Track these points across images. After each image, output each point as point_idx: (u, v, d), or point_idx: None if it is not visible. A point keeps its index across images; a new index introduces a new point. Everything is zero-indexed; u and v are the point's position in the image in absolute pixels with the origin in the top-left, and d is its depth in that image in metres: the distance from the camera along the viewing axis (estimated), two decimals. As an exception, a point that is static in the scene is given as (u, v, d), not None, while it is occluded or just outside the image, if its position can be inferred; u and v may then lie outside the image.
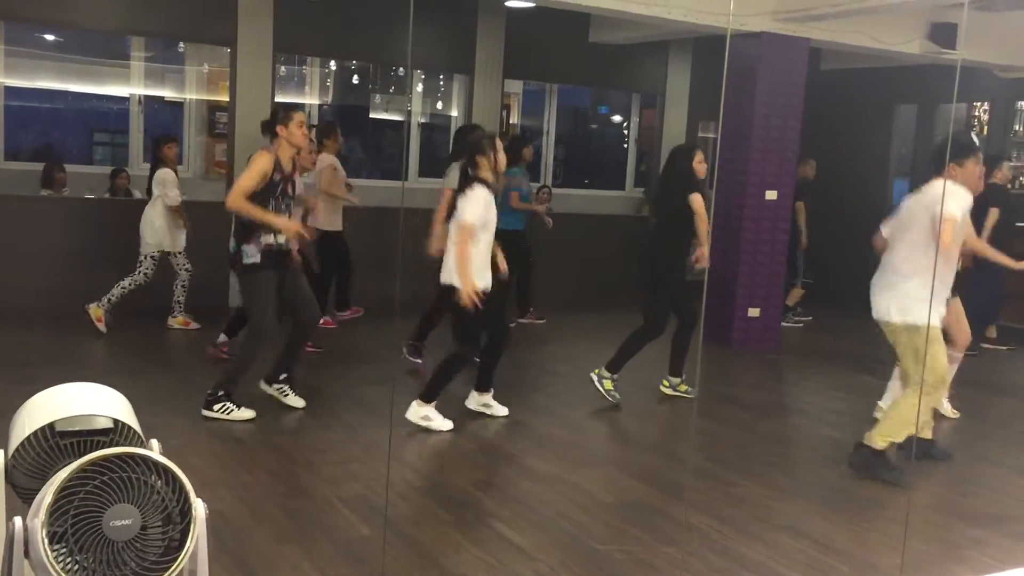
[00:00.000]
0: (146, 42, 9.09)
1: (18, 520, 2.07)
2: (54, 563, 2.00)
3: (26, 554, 2.06)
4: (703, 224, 6.03)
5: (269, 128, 5.43)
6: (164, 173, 7.27)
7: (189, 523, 2.15)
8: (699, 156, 6.15)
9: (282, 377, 5.66)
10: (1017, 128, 11.09)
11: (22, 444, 2.31)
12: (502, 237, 5.65)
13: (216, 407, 5.26)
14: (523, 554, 3.77)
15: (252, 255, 5.27)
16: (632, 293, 10.68)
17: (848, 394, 6.82)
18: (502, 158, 5.31)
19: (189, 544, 2.14)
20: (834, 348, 8.70)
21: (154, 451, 2.28)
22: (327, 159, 7.43)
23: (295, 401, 5.62)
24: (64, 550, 2.03)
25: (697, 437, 5.67)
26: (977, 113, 11.42)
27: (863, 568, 3.84)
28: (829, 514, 4.43)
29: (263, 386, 5.66)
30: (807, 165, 9.61)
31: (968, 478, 5.10)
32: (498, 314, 5.57)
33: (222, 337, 6.65)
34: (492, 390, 5.76)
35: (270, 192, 5.24)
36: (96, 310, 7.16)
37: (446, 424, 5.36)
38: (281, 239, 5.32)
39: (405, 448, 5.14)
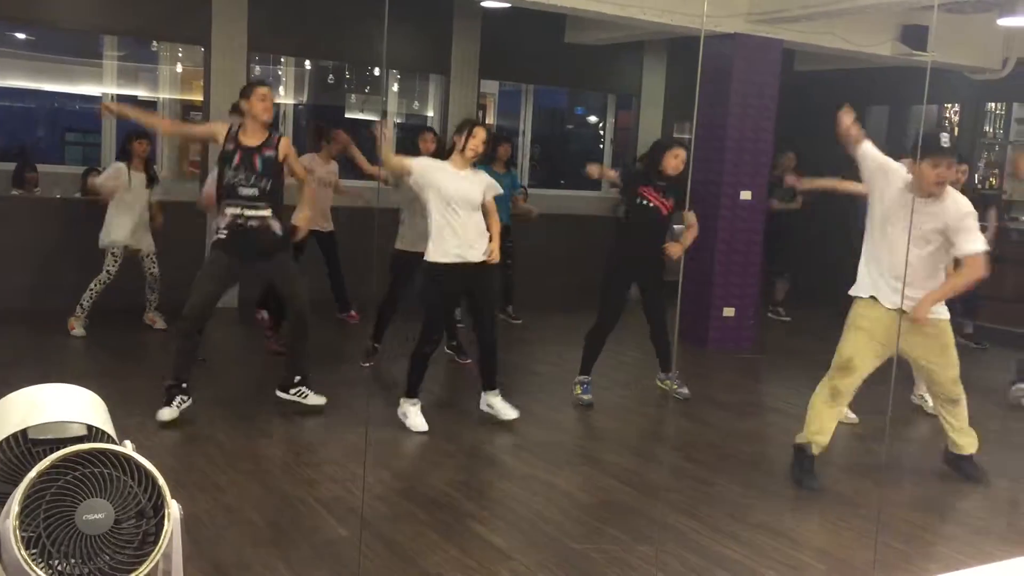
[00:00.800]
0: (119, 41, 9.01)
1: None
2: (29, 562, 1.98)
3: None
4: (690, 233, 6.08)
5: (235, 108, 5.46)
6: (113, 165, 7.26)
7: (163, 518, 2.14)
8: (675, 151, 6.02)
9: (296, 379, 5.56)
10: (987, 129, 11.23)
11: (14, 436, 2.29)
12: None
13: (165, 399, 5.19)
14: (500, 554, 3.78)
15: (218, 229, 5.24)
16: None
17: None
18: (474, 143, 5.27)
19: (164, 538, 2.14)
20: (810, 346, 8.75)
21: (127, 450, 2.27)
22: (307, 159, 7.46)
23: (316, 400, 5.55)
24: (36, 552, 2.02)
25: (674, 436, 5.70)
26: (948, 114, 11.55)
27: (838, 565, 3.88)
28: (804, 512, 4.47)
29: (279, 394, 5.57)
30: (787, 158, 9.71)
31: (942, 475, 5.15)
32: (482, 311, 5.52)
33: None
34: (496, 389, 5.64)
35: (226, 164, 5.21)
36: (72, 321, 7.11)
37: (420, 424, 5.33)
38: (249, 213, 5.18)
39: (382, 449, 5.12)
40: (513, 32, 9.73)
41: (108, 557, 2.05)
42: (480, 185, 5.36)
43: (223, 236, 5.22)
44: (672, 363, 6.41)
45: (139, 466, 2.16)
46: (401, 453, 5.17)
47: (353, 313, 8.23)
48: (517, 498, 4.47)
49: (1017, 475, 5.24)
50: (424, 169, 5.29)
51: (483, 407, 5.67)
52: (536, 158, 11.77)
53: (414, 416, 5.36)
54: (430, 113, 10.40)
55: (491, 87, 11.01)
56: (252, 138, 5.29)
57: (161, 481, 2.19)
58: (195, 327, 5.27)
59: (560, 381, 6.51)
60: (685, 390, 6.44)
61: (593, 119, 12.88)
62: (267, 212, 5.26)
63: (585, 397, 6.12)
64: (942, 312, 4.70)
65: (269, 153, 5.30)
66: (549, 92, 12.06)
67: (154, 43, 9.35)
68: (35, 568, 1.99)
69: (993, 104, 11.08)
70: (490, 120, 11.28)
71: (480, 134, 5.28)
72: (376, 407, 5.60)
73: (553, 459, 5.11)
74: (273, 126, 5.54)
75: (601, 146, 12.03)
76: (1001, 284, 7.06)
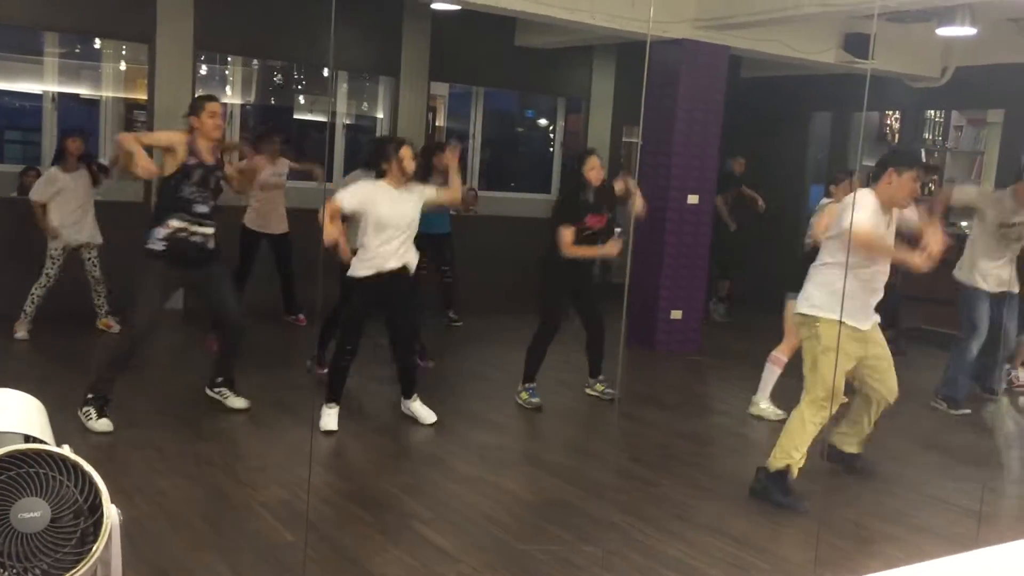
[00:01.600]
0: (61, 38, 8.83)
1: None
2: None
3: None
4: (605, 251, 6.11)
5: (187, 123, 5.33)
6: (45, 173, 7.17)
7: (101, 516, 2.12)
8: (591, 162, 6.06)
9: (219, 380, 5.58)
10: (927, 136, 11.50)
11: None
12: (424, 240, 5.63)
13: (82, 410, 5.04)
14: (446, 556, 3.78)
15: (154, 240, 5.10)
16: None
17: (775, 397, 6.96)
18: (408, 164, 5.27)
19: (103, 535, 2.11)
20: (754, 349, 8.87)
21: (63, 450, 2.24)
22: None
23: (236, 403, 5.55)
24: None
25: (619, 437, 5.74)
26: (889, 121, 11.81)
27: (779, 564, 3.94)
28: (748, 512, 4.53)
29: (207, 391, 5.61)
30: (736, 162, 9.91)
31: (883, 476, 5.26)
32: (400, 317, 5.49)
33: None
34: (415, 395, 5.71)
35: (184, 178, 5.10)
36: (16, 325, 6.96)
37: (329, 424, 5.29)
38: (195, 229, 5.14)
39: (328, 452, 5.09)
40: (463, 34, 9.73)
41: (46, 556, 2.02)
42: (415, 202, 5.36)
43: (162, 248, 5.10)
44: (601, 369, 6.45)
45: (75, 466, 2.14)
46: (347, 456, 5.14)
47: (301, 317, 8.17)
48: (463, 500, 4.47)
49: (955, 476, 5.37)
50: (358, 201, 5.22)
51: (404, 411, 5.70)
52: (486, 161, 11.78)
53: (325, 416, 5.33)
54: (379, 115, 10.36)
55: (441, 89, 11.00)
56: (208, 155, 5.23)
57: (98, 480, 2.16)
58: (145, 341, 5.23)
59: (504, 383, 6.52)
60: (612, 390, 6.48)
61: (543, 122, 12.93)
62: (212, 230, 5.24)
63: (534, 400, 6.14)
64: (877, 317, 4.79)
65: (220, 173, 5.32)
66: (499, 95, 12.08)
67: (97, 40, 9.17)
68: None
69: (932, 111, 11.35)
70: (440, 122, 11.26)
71: (407, 154, 5.28)
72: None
73: (498, 460, 5.12)
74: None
75: (551, 149, 12.08)
76: (936, 286, 7.19)
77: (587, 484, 4.78)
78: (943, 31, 8.25)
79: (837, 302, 4.43)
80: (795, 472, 4.62)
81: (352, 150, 10.75)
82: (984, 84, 9.33)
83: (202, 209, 5.19)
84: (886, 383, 4.85)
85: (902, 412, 6.78)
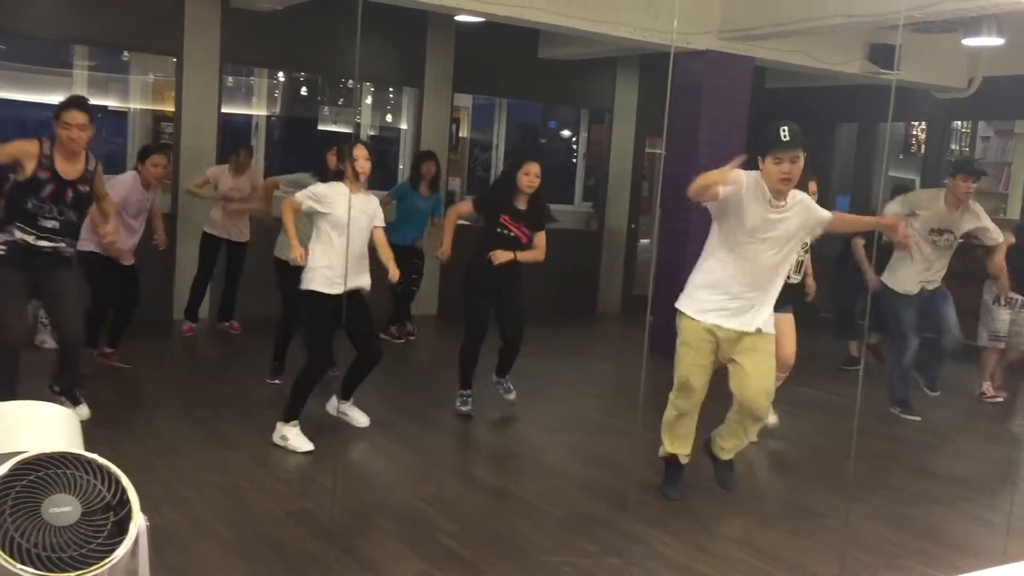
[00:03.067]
0: (90, 51, 8.94)
1: None
2: None
3: None
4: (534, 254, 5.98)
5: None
6: None
7: (129, 511, 2.17)
8: (526, 168, 5.80)
9: (56, 388, 5.29)
10: (953, 147, 11.41)
11: None
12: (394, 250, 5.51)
13: None
14: (470, 567, 3.77)
15: None
16: (581, 306, 10.79)
17: (793, 408, 6.92)
18: (362, 165, 5.17)
19: (132, 529, 2.16)
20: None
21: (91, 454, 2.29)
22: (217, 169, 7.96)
23: (80, 412, 5.21)
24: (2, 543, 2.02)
25: (644, 450, 5.71)
26: (915, 132, 11.72)
27: (804, 577, 3.91)
28: (773, 525, 4.50)
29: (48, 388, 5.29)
30: None
31: (909, 488, 5.21)
32: (366, 329, 5.37)
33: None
34: (351, 400, 5.63)
35: (29, 191, 4.80)
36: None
37: (304, 445, 5.09)
38: (40, 244, 4.87)
39: (352, 462, 5.11)
40: (487, 46, 9.76)
41: (77, 548, 2.06)
42: (369, 212, 5.28)
43: (3, 252, 4.87)
44: (508, 371, 6.26)
45: (103, 468, 2.20)
46: (369, 466, 5.15)
47: (235, 324, 8.14)
48: (486, 510, 4.46)
49: (980, 488, 5.31)
50: (317, 199, 5.11)
51: (333, 412, 5.65)
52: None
53: (295, 438, 5.11)
54: (403, 126, 10.40)
55: (465, 100, 11.03)
56: (69, 168, 4.90)
57: (125, 480, 2.21)
58: (12, 342, 4.93)
59: (530, 394, 6.52)
60: (511, 396, 6.32)
61: (566, 133, 12.94)
62: (62, 244, 4.99)
63: (463, 409, 6.07)
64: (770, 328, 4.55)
65: (84, 189, 4.99)
66: (522, 106, 12.10)
67: (125, 53, 9.28)
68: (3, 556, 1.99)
69: (959, 122, 11.26)
70: (463, 133, 11.30)
71: (361, 153, 5.17)
72: (342, 422, 5.57)
73: (522, 472, 5.12)
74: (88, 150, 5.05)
75: (574, 160, 12.09)
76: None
77: (611, 496, 4.76)
78: (969, 41, 8.20)
79: (699, 297, 4.48)
80: (682, 460, 4.70)
81: (378, 162, 10.79)
82: (1012, 94, 9.25)
83: (50, 224, 4.88)
84: (741, 390, 4.51)
85: (942, 422, 6.75)
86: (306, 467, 4.89)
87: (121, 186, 6.41)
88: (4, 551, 2.00)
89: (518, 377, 7.21)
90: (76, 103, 4.96)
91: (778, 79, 10.54)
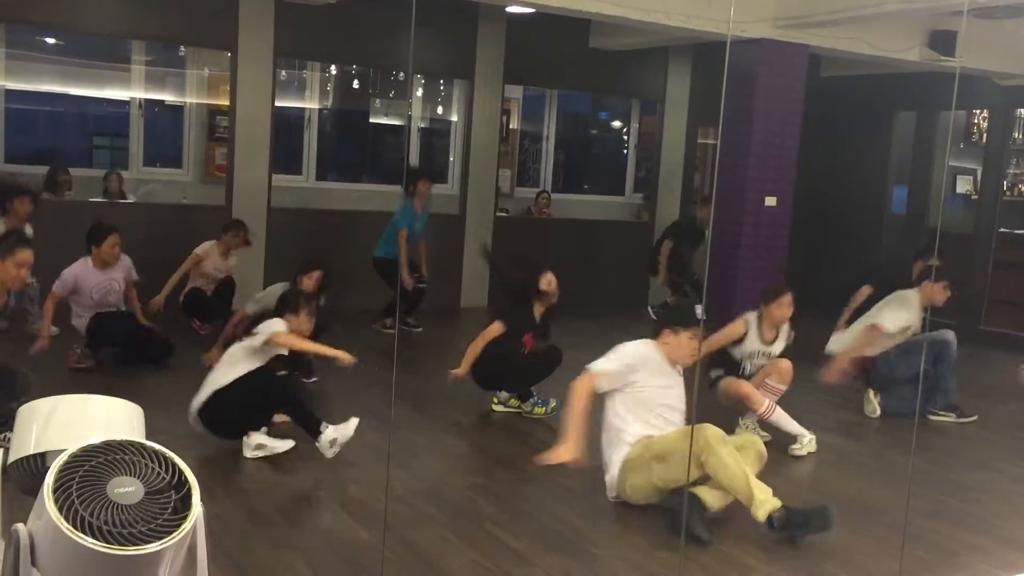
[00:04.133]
0: (147, 46, 9.10)
1: (20, 527, 2.08)
2: (62, 520, 2.04)
3: (33, 562, 2.09)
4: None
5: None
6: None
7: (189, 491, 2.24)
8: (547, 278, 6.06)
9: None
10: (1016, 136, 11.10)
11: (32, 457, 2.40)
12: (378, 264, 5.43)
13: None
14: (521, 559, 3.77)
15: None
16: (630, 298, 10.73)
17: (846, 401, 6.82)
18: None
19: (194, 506, 2.23)
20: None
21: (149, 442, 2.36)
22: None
23: None
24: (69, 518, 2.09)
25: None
26: (976, 120, 11.44)
27: (860, 575, 3.84)
28: (827, 520, 4.42)
29: None
30: (704, 209, 9.61)
31: (969, 485, 5.10)
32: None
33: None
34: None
35: None
36: None
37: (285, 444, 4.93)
38: None
39: (404, 452, 5.13)
40: (538, 37, 9.73)
41: (143, 524, 2.13)
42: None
43: None
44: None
45: (161, 454, 2.27)
46: (420, 457, 5.17)
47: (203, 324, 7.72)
48: (536, 502, 4.46)
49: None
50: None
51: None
52: (560, 163, 11.77)
53: (268, 440, 4.91)
54: (454, 118, 10.43)
55: (515, 92, 11.02)
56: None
57: (183, 465, 2.28)
58: None
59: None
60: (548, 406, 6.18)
61: (617, 124, 12.87)
62: None
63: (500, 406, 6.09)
64: None
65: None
66: (573, 97, 12.06)
67: (181, 48, 9.42)
68: (71, 528, 2.05)
69: (1023, 110, 10.96)
70: (514, 125, 11.29)
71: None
72: (399, 410, 5.61)
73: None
74: None
75: (625, 151, 12.02)
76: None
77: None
78: (1036, 26, 7.98)
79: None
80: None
81: (427, 154, 10.86)
82: (1078, 81, 8.99)
83: None
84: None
85: (997, 417, 6.60)
86: (359, 458, 4.93)
87: (68, 274, 6.35)
88: (74, 526, 2.06)
89: (567, 369, 7.18)
90: None
91: (833, 67, 10.35)
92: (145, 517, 2.13)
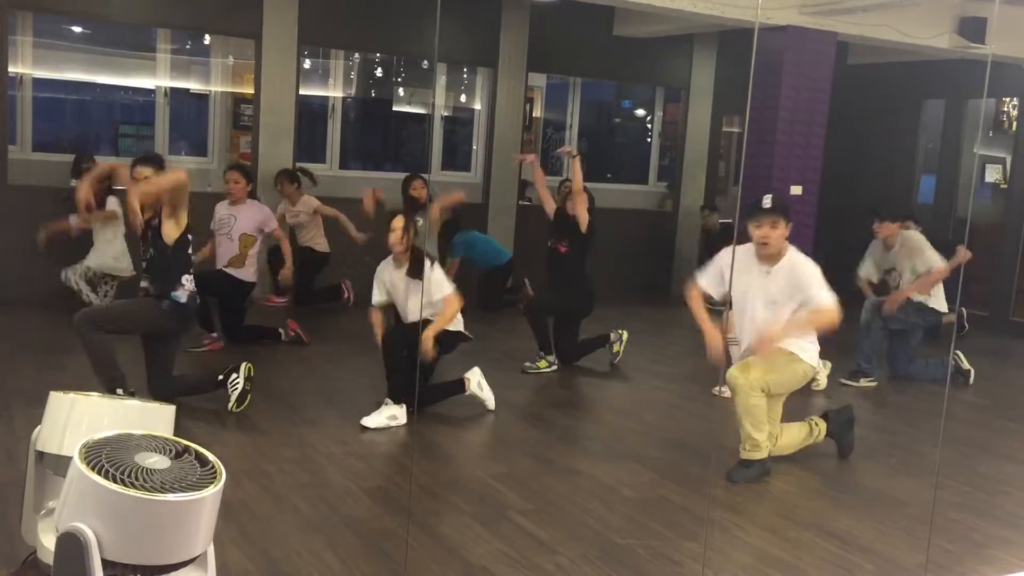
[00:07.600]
0: (172, 34, 9.13)
1: (82, 526, 2.10)
2: (109, 482, 2.13)
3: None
4: None
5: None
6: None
7: (213, 466, 2.32)
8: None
9: None
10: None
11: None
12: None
13: None
14: (544, 547, 3.77)
15: None
16: (654, 287, 10.70)
17: (874, 391, 6.77)
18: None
19: (220, 473, 2.32)
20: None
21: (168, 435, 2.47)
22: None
23: None
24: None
25: (721, 433, 5.64)
26: (1006, 108, 11.29)
27: (887, 566, 3.82)
28: (854, 512, 4.40)
29: None
30: (711, 218, 10.36)
31: (996, 477, 5.05)
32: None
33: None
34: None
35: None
36: None
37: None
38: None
39: (427, 440, 5.15)
40: (561, 25, 9.69)
41: (177, 483, 2.21)
42: None
43: None
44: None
45: (177, 441, 2.37)
46: (444, 445, 5.18)
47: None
48: (559, 491, 4.46)
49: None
50: None
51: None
52: (583, 152, 11.72)
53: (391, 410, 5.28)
54: (477, 107, 10.41)
55: (539, 80, 10.98)
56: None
57: (202, 449, 2.36)
58: None
59: (605, 376, 6.48)
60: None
61: (641, 112, 12.79)
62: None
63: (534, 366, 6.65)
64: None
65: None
66: (597, 85, 12.00)
67: (206, 36, 9.45)
68: (102, 478, 2.12)
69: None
70: (537, 113, 11.25)
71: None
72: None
73: (596, 453, 5.10)
74: None
75: (649, 140, 11.95)
76: None
77: (686, 479, 4.72)
78: (1069, 13, 7.85)
79: None
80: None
81: (450, 141, 10.84)
82: (1111, 68, 8.84)
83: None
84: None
85: (1014, 410, 6.53)
86: (383, 445, 4.95)
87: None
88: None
89: (590, 359, 7.19)
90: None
91: (861, 55, 10.24)
92: (177, 477, 2.21)
